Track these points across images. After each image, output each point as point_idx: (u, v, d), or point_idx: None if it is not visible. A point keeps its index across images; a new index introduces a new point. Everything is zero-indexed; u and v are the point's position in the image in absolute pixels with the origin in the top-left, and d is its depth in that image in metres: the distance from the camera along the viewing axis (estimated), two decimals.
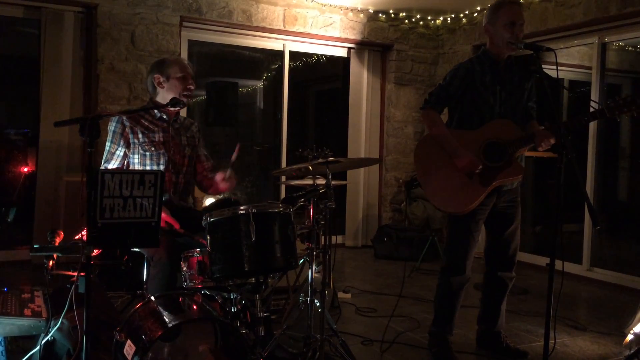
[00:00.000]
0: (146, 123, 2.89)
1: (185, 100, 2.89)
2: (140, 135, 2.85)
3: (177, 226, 2.74)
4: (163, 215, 2.70)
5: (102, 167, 2.83)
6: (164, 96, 2.91)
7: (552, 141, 2.73)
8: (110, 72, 5.07)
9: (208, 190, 3.13)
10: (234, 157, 2.81)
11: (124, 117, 2.84)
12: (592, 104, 4.57)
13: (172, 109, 2.82)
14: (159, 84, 2.93)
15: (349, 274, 5.17)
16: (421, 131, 6.66)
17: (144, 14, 5.16)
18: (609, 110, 2.59)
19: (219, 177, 2.98)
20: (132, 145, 2.85)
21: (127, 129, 2.84)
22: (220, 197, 3.15)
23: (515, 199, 3.02)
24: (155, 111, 2.93)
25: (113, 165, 2.85)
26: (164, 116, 2.95)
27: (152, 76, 2.94)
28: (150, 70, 3.00)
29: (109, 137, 2.85)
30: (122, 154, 2.85)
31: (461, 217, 2.89)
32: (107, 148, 2.86)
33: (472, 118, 2.89)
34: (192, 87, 2.95)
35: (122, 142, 2.84)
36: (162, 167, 2.86)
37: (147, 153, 2.85)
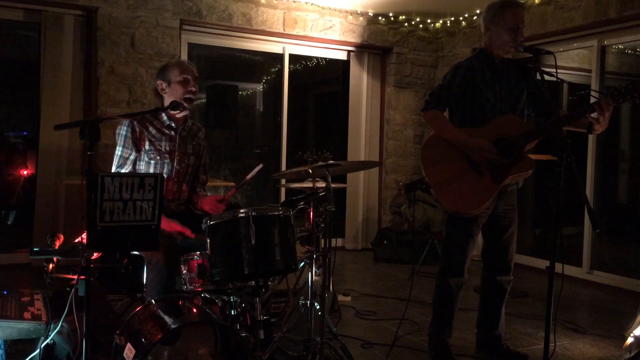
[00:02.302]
0: (154, 131, 2.85)
1: (186, 104, 2.82)
2: (147, 143, 2.81)
3: (188, 232, 2.71)
4: (174, 224, 2.69)
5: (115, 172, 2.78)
6: (168, 102, 2.85)
7: (610, 112, 2.61)
8: (110, 75, 5.07)
9: (193, 207, 3.05)
10: (249, 176, 2.72)
11: (135, 122, 2.80)
12: (592, 94, 4.57)
13: (172, 112, 2.79)
14: (162, 90, 2.88)
15: (349, 276, 5.17)
16: (421, 134, 6.67)
17: (144, 17, 5.17)
18: (613, 99, 2.58)
19: (210, 198, 2.93)
20: (138, 154, 2.82)
21: (136, 134, 2.79)
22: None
23: (513, 202, 3.02)
24: (165, 118, 2.87)
25: (127, 169, 2.79)
26: (172, 124, 2.89)
27: (155, 83, 2.90)
28: (155, 78, 2.95)
29: (121, 141, 2.79)
30: (134, 157, 2.80)
31: (463, 220, 2.88)
32: (118, 153, 2.80)
33: (475, 116, 2.88)
34: (193, 89, 2.86)
35: (133, 147, 2.79)
36: (165, 176, 2.84)
37: (152, 161, 2.82)
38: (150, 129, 2.85)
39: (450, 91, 2.87)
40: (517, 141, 2.75)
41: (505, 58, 2.91)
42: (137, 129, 2.80)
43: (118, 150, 2.81)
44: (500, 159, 2.74)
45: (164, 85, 2.87)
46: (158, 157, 2.83)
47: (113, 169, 2.81)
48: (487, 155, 2.73)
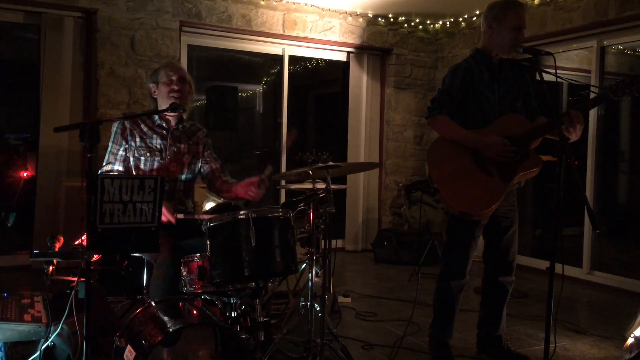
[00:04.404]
0: (145, 128, 2.90)
1: (177, 101, 2.78)
2: (137, 139, 2.86)
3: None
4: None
5: (103, 169, 2.82)
6: (160, 104, 2.91)
7: (582, 125, 2.63)
8: (110, 77, 5.07)
9: (223, 195, 3.03)
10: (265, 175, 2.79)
11: (126, 121, 2.87)
12: (592, 89, 4.57)
13: (172, 113, 2.79)
14: (153, 92, 2.95)
15: (349, 278, 5.16)
16: (420, 135, 6.67)
17: (144, 19, 5.17)
18: (612, 92, 2.59)
19: (243, 183, 2.88)
20: (128, 148, 2.86)
21: (127, 131, 2.86)
22: (221, 201, 3.14)
23: (513, 202, 3.01)
24: (156, 118, 2.92)
25: (117, 166, 2.83)
26: (164, 124, 2.93)
27: (148, 86, 2.98)
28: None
29: (111, 138, 2.87)
30: (123, 153, 2.85)
31: (465, 221, 2.86)
32: (109, 148, 2.87)
33: (476, 117, 2.87)
34: (175, 87, 2.86)
35: (123, 142, 2.85)
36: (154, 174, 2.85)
37: (142, 158, 2.85)
38: (142, 126, 2.90)
39: (452, 94, 2.86)
40: (523, 139, 2.74)
41: (502, 58, 2.91)
42: (128, 126, 2.87)
43: (109, 147, 2.88)
44: (515, 149, 2.73)
45: (154, 88, 2.95)
46: (148, 154, 2.86)
47: (103, 164, 2.86)
48: (503, 148, 2.72)
